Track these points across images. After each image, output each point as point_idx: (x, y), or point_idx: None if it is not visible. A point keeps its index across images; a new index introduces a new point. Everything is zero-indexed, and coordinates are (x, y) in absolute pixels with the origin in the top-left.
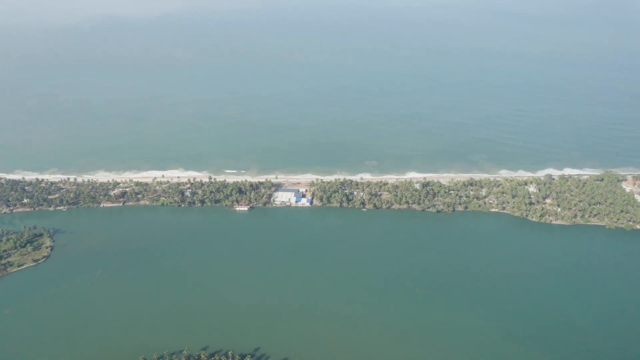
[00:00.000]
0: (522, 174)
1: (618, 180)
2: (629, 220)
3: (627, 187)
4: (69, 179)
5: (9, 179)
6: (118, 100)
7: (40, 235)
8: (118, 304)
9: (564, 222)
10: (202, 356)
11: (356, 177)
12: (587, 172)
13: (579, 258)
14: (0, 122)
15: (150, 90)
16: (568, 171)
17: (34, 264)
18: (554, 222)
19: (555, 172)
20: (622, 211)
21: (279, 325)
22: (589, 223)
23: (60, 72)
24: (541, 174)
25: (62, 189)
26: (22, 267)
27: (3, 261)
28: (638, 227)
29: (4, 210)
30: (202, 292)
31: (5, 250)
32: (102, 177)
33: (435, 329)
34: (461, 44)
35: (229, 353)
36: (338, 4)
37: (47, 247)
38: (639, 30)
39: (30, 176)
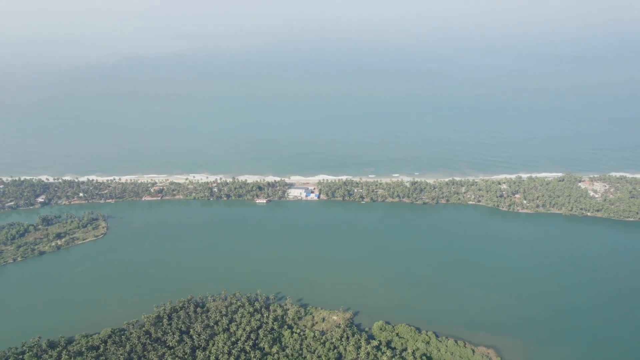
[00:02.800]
0: (497, 177)
1: (577, 181)
2: (581, 209)
3: (584, 185)
4: (114, 179)
5: (64, 180)
6: (145, 122)
7: (97, 219)
8: (165, 264)
9: (528, 211)
10: (237, 294)
11: (356, 179)
12: (551, 175)
13: (539, 235)
14: (47, 138)
15: (173, 114)
16: (535, 174)
17: (94, 238)
18: (520, 211)
19: (525, 175)
20: (576, 201)
21: (294, 278)
22: (549, 211)
23: (90, 100)
24: (512, 176)
25: (109, 186)
26: (86, 241)
27: (71, 236)
28: (588, 214)
29: (64, 202)
30: (232, 255)
31: (70, 229)
32: (141, 178)
33: (418, 280)
34: (449, 76)
35: (258, 292)
36: (344, 44)
37: (103, 227)
38: (622, 66)
39: (81, 178)
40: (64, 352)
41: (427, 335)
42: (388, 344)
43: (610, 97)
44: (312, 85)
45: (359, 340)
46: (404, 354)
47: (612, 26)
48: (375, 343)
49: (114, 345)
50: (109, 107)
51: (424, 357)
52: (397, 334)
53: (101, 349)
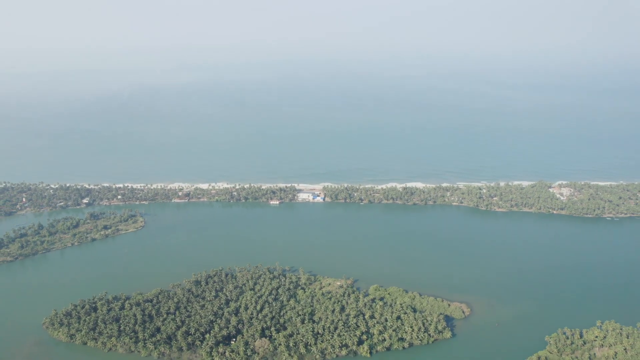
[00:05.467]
0: (478, 184)
1: (547, 186)
2: (548, 208)
3: (553, 190)
4: (146, 185)
5: (103, 185)
6: (166, 142)
7: (135, 215)
8: (197, 247)
9: (503, 210)
10: (259, 266)
11: (356, 185)
12: (526, 182)
13: (510, 227)
14: (81, 154)
15: (191, 135)
16: (512, 182)
17: (134, 230)
18: (497, 210)
19: (502, 183)
20: (544, 202)
21: (305, 256)
22: (521, 210)
23: (114, 124)
24: (492, 183)
25: (142, 190)
26: (128, 231)
27: (115, 227)
28: (554, 212)
29: (105, 203)
30: (252, 241)
31: (114, 223)
32: (169, 185)
33: (407, 258)
34: (442, 102)
35: (276, 264)
36: (346, 74)
37: (141, 222)
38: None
39: (117, 185)
40: (126, 302)
41: (412, 294)
42: (381, 299)
43: (589, 121)
44: (314, 111)
45: (358, 296)
46: (393, 305)
47: (612, 63)
48: (370, 297)
49: (164, 298)
50: (132, 130)
51: (409, 308)
52: (389, 293)
53: (154, 301)
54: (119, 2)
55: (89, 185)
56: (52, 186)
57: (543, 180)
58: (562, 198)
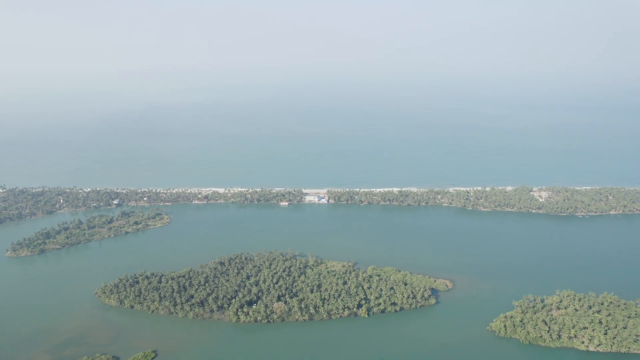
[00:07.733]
0: (466, 188)
1: (528, 190)
2: (527, 208)
3: (533, 193)
4: (168, 189)
5: (130, 189)
6: (180, 155)
7: (160, 213)
8: (218, 239)
9: (488, 210)
10: (273, 251)
11: (357, 189)
12: (510, 187)
13: (492, 223)
14: (105, 165)
15: (202, 149)
16: (497, 187)
17: (162, 225)
18: (482, 209)
19: (488, 187)
20: (524, 202)
21: (312, 244)
22: (503, 210)
23: (130, 138)
24: (479, 188)
25: (165, 193)
26: (156, 226)
27: (145, 223)
28: (532, 211)
29: (132, 204)
30: (265, 233)
31: (143, 219)
32: (189, 189)
33: (400, 246)
34: (438, 120)
35: (288, 249)
36: (347, 95)
37: (167, 218)
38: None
39: (143, 188)
40: (162, 278)
41: (404, 272)
42: (377, 275)
43: (572, 136)
44: (316, 127)
45: (358, 273)
46: (387, 280)
47: (617, 83)
48: (368, 274)
49: (195, 274)
50: (147, 144)
51: (401, 282)
52: (384, 272)
53: (186, 276)
54: (139, 27)
55: (117, 189)
56: (85, 190)
57: (525, 185)
58: (540, 200)
